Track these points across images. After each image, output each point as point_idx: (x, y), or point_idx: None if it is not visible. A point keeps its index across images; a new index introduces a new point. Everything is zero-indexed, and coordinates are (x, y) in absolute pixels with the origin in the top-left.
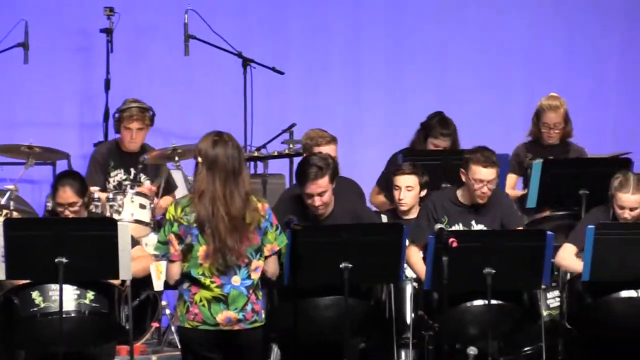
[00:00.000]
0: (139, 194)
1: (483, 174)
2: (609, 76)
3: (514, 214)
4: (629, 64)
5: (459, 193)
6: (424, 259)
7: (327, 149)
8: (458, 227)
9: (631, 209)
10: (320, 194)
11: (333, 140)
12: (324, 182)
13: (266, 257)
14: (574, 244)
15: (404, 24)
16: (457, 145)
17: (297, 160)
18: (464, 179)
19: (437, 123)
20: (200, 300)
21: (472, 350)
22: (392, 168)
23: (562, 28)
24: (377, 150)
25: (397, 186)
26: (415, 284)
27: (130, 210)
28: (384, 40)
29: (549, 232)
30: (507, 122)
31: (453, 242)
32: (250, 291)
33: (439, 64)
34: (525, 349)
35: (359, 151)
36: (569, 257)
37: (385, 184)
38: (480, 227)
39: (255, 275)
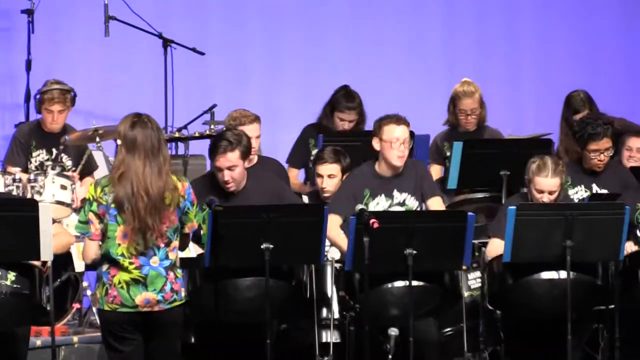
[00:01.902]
0: (60, 174)
1: (398, 132)
2: (525, 59)
3: (432, 182)
4: (544, 45)
5: (376, 166)
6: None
7: (250, 129)
8: (380, 198)
9: (550, 193)
10: (230, 168)
11: (256, 119)
12: (233, 157)
13: (184, 235)
14: (498, 237)
15: (322, 3)
16: (364, 119)
17: None
18: (378, 147)
19: (342, 97)
20: (119, 283)
21: (393, 331)
22: (315, 157)
23: (475, 13)
24: (297, 130)
25: (320, 174)
26: (336, 264)
27: (52, 191)
28: (302, 20)
29: (470, 213)
30: (428, 106)
31: (374, 223)
32: (169, 271)
33: (357, 44)
34: (447, 329)
35: (279, 131)
36: (499, 251)
37: (299, 159)
38: (404, 195)
39: (173, 255)
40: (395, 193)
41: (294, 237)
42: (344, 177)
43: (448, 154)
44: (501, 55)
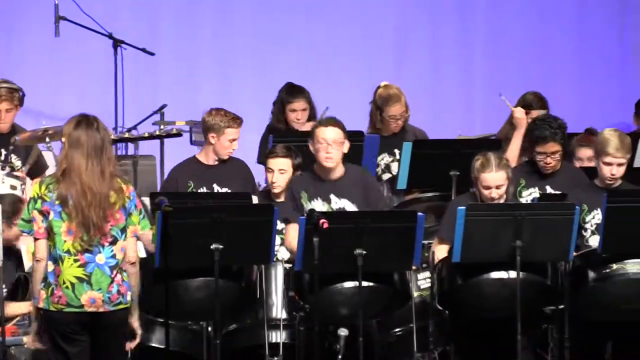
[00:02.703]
0: (10, 175)
1: (325, 133)
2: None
3: (380, 195)
4: (495, 46)
5: (316, 168)
6: None
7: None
8: (317, 202)
9: (497, 187)
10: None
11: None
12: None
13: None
14: (446, 242)
15: (273, 3)
16: (314, 112)
17: (168, 141)
18: (312, 149)
19: (287, 90)
20: (64, 283)
21: (342, 332)
22: (267, 152)
23: (426, 14)
24: (247, 129)
25: (270, 169)
26: (286, 265)
27: (1, 191)
28: (253, 20)
29: (419, 213)
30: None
31: (324, 223)
32: (115, 272)
33: (308, 44)
34: (396, 330)
35: None
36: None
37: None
38: (344, 201)
39: (120, 255)
40: (333, 197)
41: (243, 237)
42: (296, 174)
43: (376, 161)
44: (451, 56)
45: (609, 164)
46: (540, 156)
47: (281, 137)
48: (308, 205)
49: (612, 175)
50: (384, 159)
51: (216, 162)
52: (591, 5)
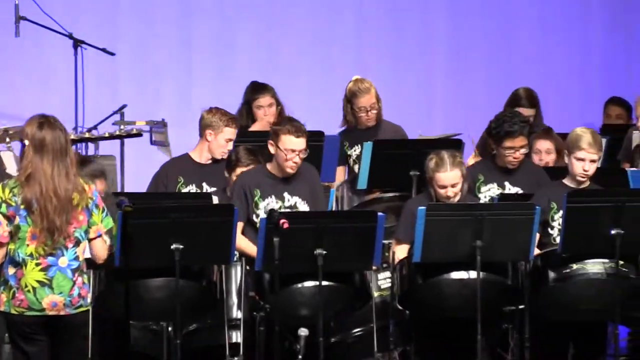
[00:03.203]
0: None
1: (295, 144)
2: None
3: (321, 195)
4: (456, 45)
5: (269, 166)
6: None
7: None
8: (271, 199)
9: (452, 186)
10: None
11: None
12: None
13: (92, 239)
14: (405, 242)
15: (233, 3)
16: (282, 107)
17: (128, 141)
18: (272, 150)
19: (251, 88)
20: (26, 286)
21: (303, 332)
22: (233, 158)
23: (387, 12)
24: None
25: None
26: (246, 265)
27: None
28: (214, 20)
29: (380, 213)
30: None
31: (284, 223)
32: (76, 275)
33: (268, 43)
34: (356, 329)
35: (190, 132)
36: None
37: None
38: (295, 199)
39: (82, 258)
40: (286, 195)
41: (203, 237)
42: None
43: (349, 153)
44: (412, 55)
45: (582, 160)
46: (508, 151)
47: (244, 137)
48: (261, 203)
49: (585, 171)
50: (356, 150)
51: (209, 161)
52: (553, 3)
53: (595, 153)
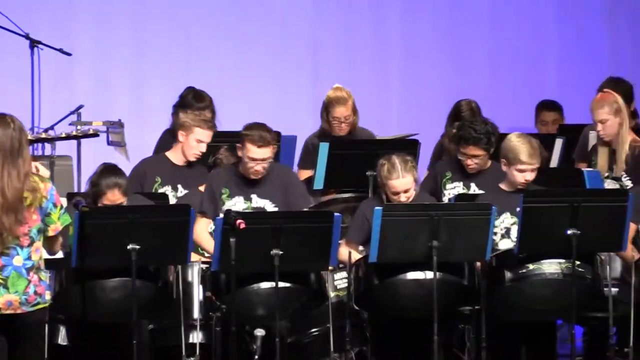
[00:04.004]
0: None
1: (258, 154)
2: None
3: (300, 193)
4: (410, 46)
5: (240, 167)
6: None
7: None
8: (238, 199)
9: (405, 191)
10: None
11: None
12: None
13: (50, 238)
14: (352, 244)
15: (189, 4)
16: (214, 115)
17: (85, 141)
18: (240, 153)
19: (193, 99)
20: None
21: (259, 332)
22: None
23: (342, 14)
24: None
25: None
26: (203, 265)
27: None
28: (169, 21)
29: (336, 214)
30: (293, 107)
31: (241, 224)
32: (32, 273)
33: (223, 44)
34: (313, 330)
35: (146, 133)
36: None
37: None
38: (265, 201)
39: (36, 257)
40: (254, 197)
41: (159, 238)
42: None
43: None
44: (367, 55)
45: (523, 171)
46: (461, 156)
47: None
48: (228, 203)
49: (526, 181)
50: None
51: (185, 164)
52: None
53: (536, 162)
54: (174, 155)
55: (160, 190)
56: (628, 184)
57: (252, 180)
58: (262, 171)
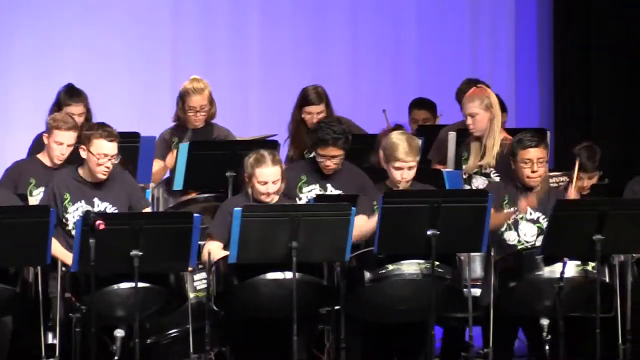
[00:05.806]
0: None
1: (107, 149)
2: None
3: (138, 191)
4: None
5: (80, 170)
6: None
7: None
8: (80, 204)
9: (274, 182)
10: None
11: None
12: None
13: None
14: (217, 239)
15: (56, 5)
16: (90, 111)
17: None
18: (84, 155)
19: (66, 94)
20: None
21: (119, 333)
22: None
23: (199, 11)
24: (30, 132)
25: None
26: (63, 267)
27: None
28: (34, 19)
29: (195, 214)
30: (153, 106)
31: (100, 224)
32: None
33: (85, 43)
34: (172, 331)
35: (9, 135)
36: (219, 253)
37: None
38: (105, 204)
39: None
40: (96, 200)
41: (19, 239)
42: None
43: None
44: (225, 56)
45: (400, 169)
46: (320, 158)
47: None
48: (70, 208)
49: (403, 178)
50: None
51: (55, 165)
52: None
53: (413, 160)
54: (45, 157)
55: (35, 192)
56: (496, 180)
57: (93, 183)
58: (110, 168)
